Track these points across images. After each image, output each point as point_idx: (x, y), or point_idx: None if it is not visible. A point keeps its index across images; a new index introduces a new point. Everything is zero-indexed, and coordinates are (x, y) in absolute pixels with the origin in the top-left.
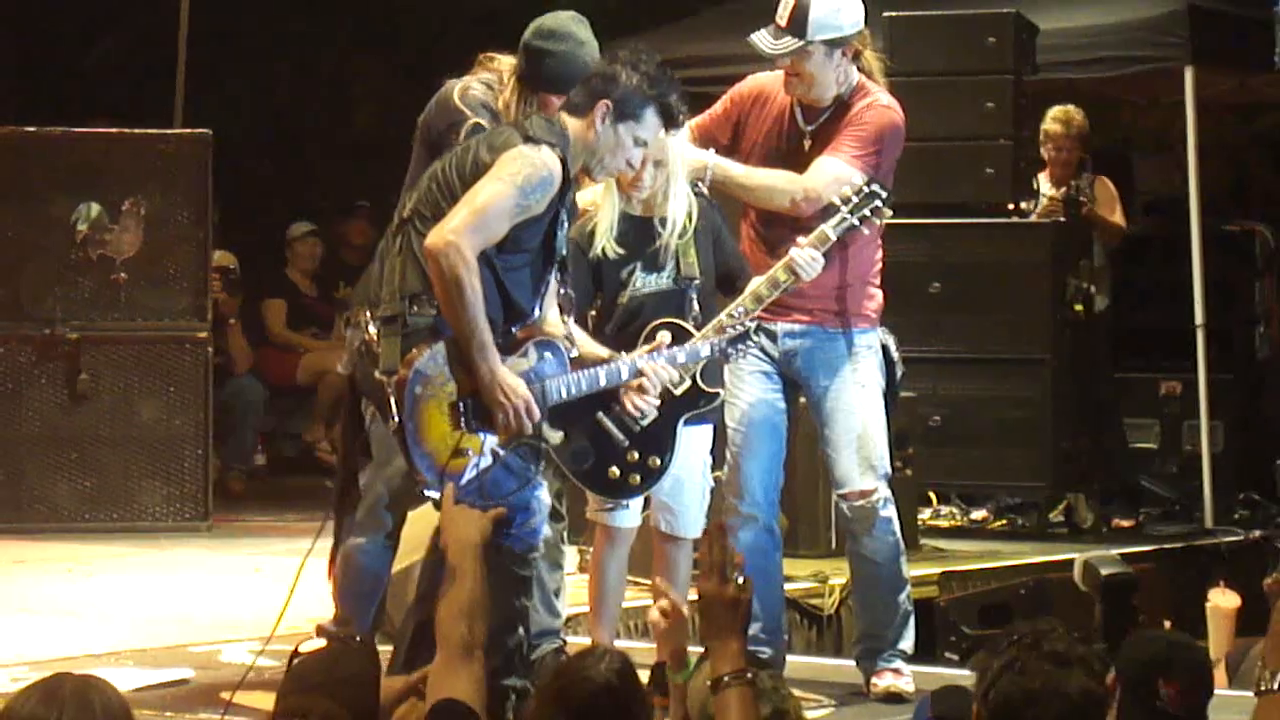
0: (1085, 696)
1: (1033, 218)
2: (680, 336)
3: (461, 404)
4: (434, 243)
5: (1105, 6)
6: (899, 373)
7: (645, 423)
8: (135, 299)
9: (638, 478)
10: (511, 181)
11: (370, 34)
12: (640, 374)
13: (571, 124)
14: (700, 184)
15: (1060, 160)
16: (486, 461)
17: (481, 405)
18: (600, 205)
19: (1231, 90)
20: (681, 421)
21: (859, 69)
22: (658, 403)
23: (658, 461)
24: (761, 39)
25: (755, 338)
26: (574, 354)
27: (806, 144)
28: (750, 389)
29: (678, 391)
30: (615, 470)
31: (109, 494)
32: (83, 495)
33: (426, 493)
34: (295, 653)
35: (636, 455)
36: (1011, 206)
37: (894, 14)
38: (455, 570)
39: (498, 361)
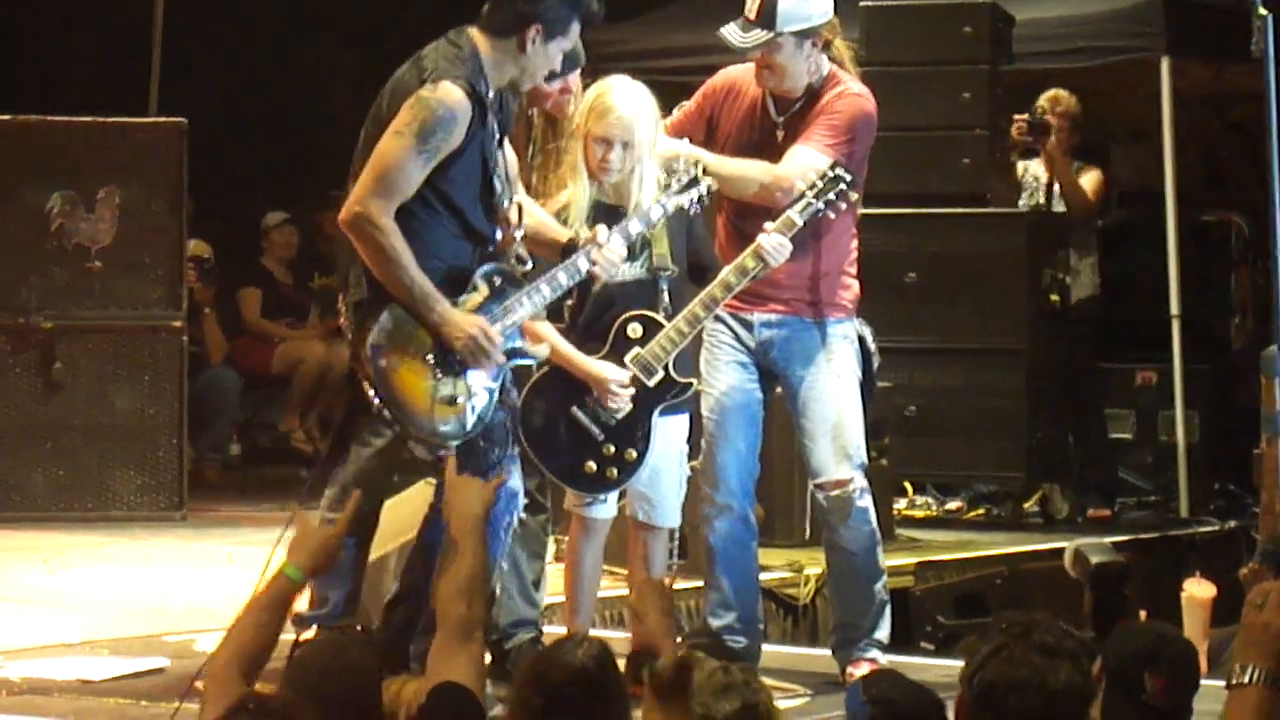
0: (1069, 689)
1: (1022, 202)
2: (651, 329)
3: (430, 355)
4: (344, 218)
5: None
6: (875, 363)
7: (619, 416)
8: (110, 288)
9: (615, 471)
10: (409, 132)
11: (346, 23)
12: (595, 263)
13: (495, 44)
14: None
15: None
16: (482, 400)
17: (449, 350)
18: (573, 194)
19: (1207, 81)
20: (656, 413)
21: (830, 58)
22: (630, 391)
23: (634, 454)
24: (731, 32)
25: (705, 180)
26: (527, 267)
27: (779, 135)
28: (726, 378)
29: (651, 383)
30: (592, 465)
31: (83, 483)
32: (57, 484)
33: (441, 454)
34: (296, 643)
35: (613, 449)
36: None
37: (870, 4)
38: (456, 546)
39: (444, 305)
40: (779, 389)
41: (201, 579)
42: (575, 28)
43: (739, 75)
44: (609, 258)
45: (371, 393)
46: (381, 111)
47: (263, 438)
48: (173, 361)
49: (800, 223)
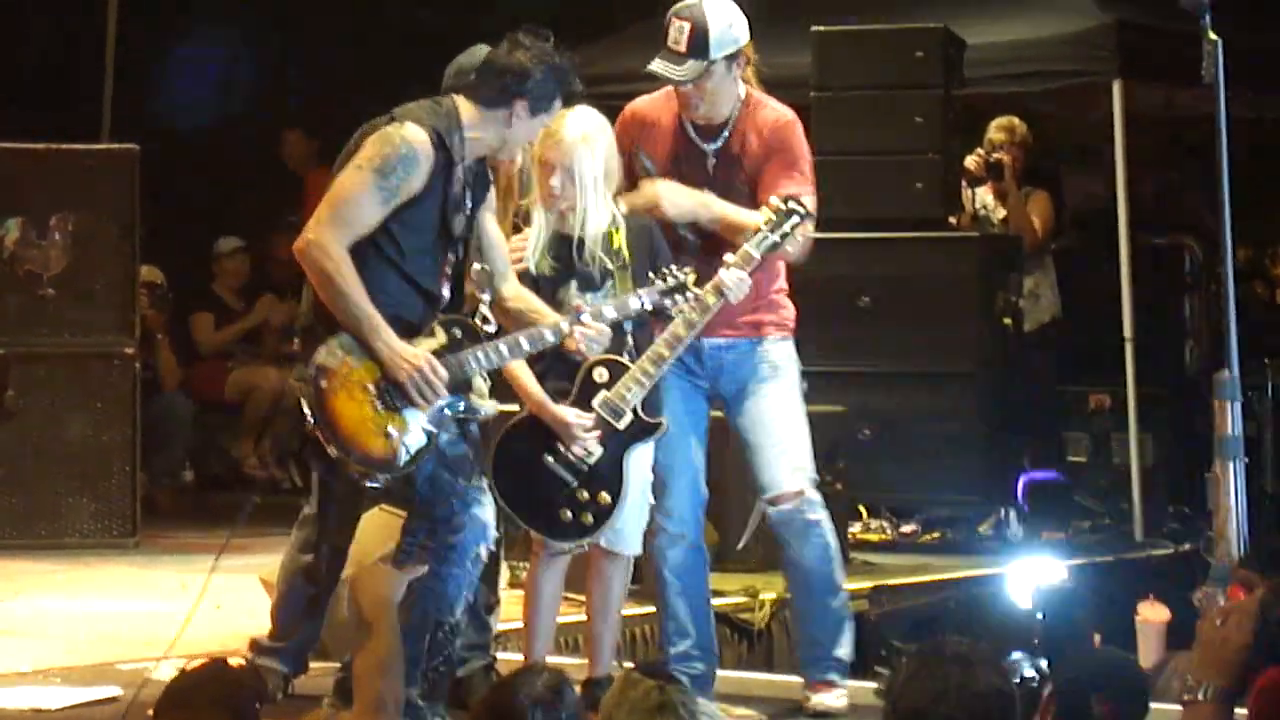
0: (992, 689)
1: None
2: (616, 372)
3: (371, 385)
4: (298, 246)
5: (1033, 21)
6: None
7: (591, 461)
8: (62, 315)
9: (590, 517)
10: (368, 166)
11: (297, 49)
12: (566, 336)
13: (474, 110)
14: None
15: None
16: (419, 441)
17: (392, 381)
18: (534, 224)
19: (1159, 104)
20: (628, 455)
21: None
22: (595, 434)
23: (608, 498)
24: (665, 69)
25: (693, 290)
26: (491, 329)
27: (710, 164)
28: (673, 408)
29: (620, 425)
30: (567, 513)
31: (36, 510)
32: (10, 512)
33: (367, 484)
34: (182, 671)
35: (586, 494)
36: (954, 220)
37: (823, 29)
38: (370, 626)
39: (392, 337)
40: (722, 413)
41: (154, 607)
42: (558, 105)
43: (645, 107)
44: (589, 335)
45: (307, 412)
46: (349, 150)
47: (216, 464)
48: (125, 388)
49: (759, 257)
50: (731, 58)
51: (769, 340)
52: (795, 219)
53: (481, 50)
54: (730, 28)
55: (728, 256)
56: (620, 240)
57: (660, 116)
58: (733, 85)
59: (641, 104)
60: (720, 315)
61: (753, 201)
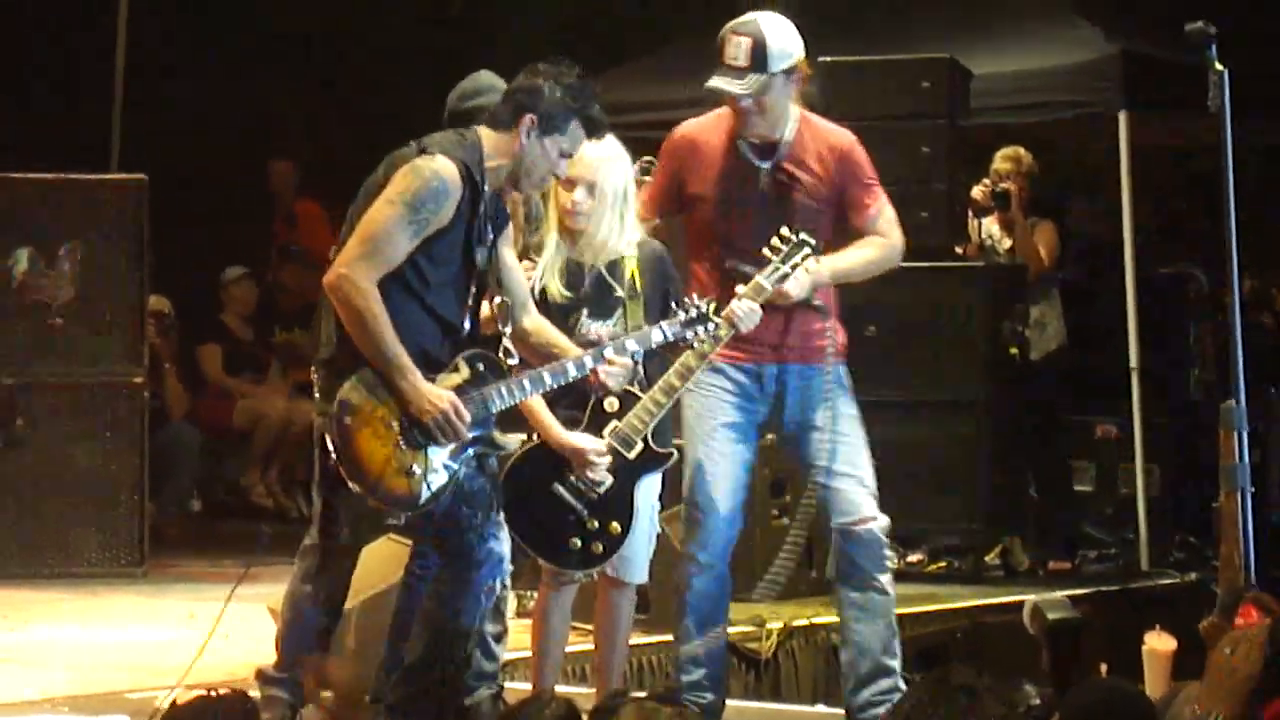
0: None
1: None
2: (627, 402)
3: (395, 423)
4: (329, 279)
5: (1039, 52)
6: None
7: (601, 490)
8: (71, 344)
9: (600, 546)
10: (400, 199)
11: (305, 81)
12: (591, 371)
13: (494, 137)
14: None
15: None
16: (441, 479)
17: (416, 420)
18: (545, 248)
19: (1164, 134)
20: (638, 485)
21: None
22: (608, 461)
23: (618, 527)
24: (725, 83)
25: (714, 319)
26: (513, 362)
27: (763, 181)
28: (724, 438)
29: (630, 455)
30: (576, 541)
31: (44, 540)
32: (18, 541)
33: (389, 521)
34: (173, 705)
35: (596, 524)
36: (961, 250)
37: (830, 59)
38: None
39: (418, 376)
40: (774, 437)
41: (162, 636)
42: (575, 131)
43: (695, 129)
44: (614, 372)
45: (331, 447)
46: (376, 180)
47: (223, 493)
48: (134, 418)
49: (769, 288)
50: (789, 72)
51: (832, 365)
52: (807, 250)
53: (484, 75)
54: (787, 40)
55: (739, 288)
56: (633, 269)
57: (710, 138)
58: (788, 101)
59: (691, 126)
60: (784, 339)
61: (812, 218)
